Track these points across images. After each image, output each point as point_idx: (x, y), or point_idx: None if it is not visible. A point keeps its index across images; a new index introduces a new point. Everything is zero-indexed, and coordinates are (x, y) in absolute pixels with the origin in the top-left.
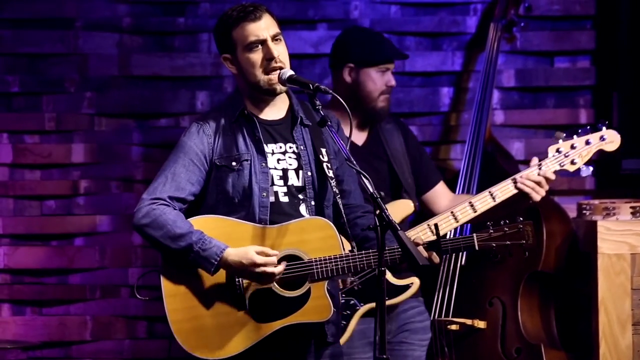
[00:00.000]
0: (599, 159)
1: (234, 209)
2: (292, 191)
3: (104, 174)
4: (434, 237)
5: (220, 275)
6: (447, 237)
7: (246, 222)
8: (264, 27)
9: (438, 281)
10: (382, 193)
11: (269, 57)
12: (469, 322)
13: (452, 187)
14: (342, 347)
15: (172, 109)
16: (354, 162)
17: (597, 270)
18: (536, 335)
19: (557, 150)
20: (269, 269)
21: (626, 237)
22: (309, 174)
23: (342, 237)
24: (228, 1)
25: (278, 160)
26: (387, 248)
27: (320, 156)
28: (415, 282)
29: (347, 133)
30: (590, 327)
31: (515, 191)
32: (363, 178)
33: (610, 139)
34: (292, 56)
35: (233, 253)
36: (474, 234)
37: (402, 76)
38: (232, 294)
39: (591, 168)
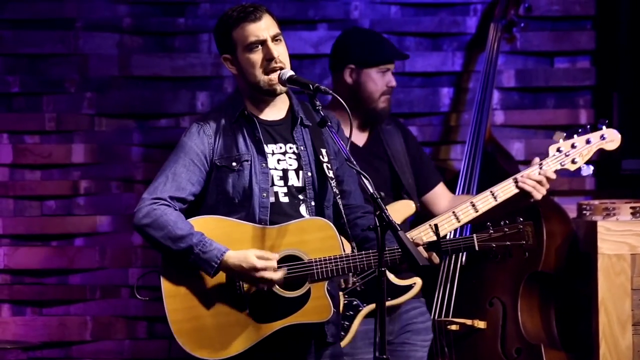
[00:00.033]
0: (599, 160)
1: (234, 209)
2: (292, 191)
3: (104, 174)
4: (434, 238)
5: (221, 276)
6: (447, 237)
7: (246, 222)
8: (264, 27)
9: (438, 281)
10: (382, 193)
11: (269, 58)
12: (469, 322)
13: (452, 188)
14: (345, 347)
15: (172, 110)
16: (354, 163)
17: (597, 270)
18: (536, 336)
19: (558, 150)
20: (269, 275)
21: (626, 238)
22: (309, 174)
23: (342, 238)
24: (228, 1)
25: (278, 160)
26: (387, 248)
27: (321, 157)
28: (417, 282)
29: (347, 134)
30: (591, 328)
31: (517, 191)
32: (363, 178)
33: (610, 138)
34: (292, 56)
35: (233, 256)
36: (474, 235)
37: (402, 76)
38: (232, 294)
39: (592, 167)
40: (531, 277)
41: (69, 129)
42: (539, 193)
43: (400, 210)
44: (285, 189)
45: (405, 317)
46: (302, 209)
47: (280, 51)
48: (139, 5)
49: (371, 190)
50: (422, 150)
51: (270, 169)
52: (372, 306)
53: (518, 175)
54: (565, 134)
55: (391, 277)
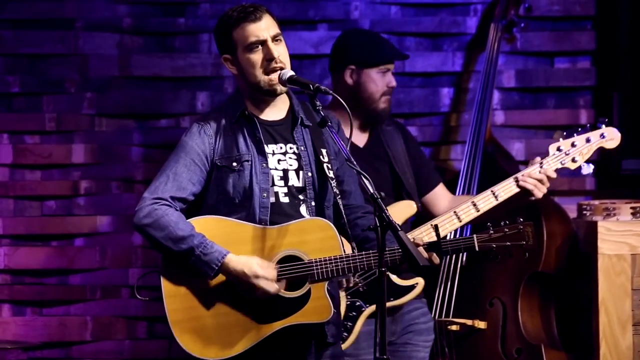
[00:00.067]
0: (600, 160)
1: (235, 209)
2: (292, 192)
3: (105, 175)
4: (435, 238)
5: (221, 277)
6: (448, 238)
7: (246, 222)
8: (264, 27)
9: (438, 282)
10: (383, 193)
11: (269, 58)
12: (469, 322)
13: (452, 188)
14: (348, 348)
15: (172, 110)
16: (354, 163)
17: (597, 270)
18: (536, 336)
19: (558, 149)
20: (269, 285)
21: (626, 238)
22: (310, 174)
23: (342, 238)
24: (228, 2)
25: (279, 160)
26: (387, 249)
27: (321, 157)
28: (420, 282)
29: (347, 134)
30: (591, 328)
31: (518, 190)
32: (363, 178)
33: (610, 137)
34: (292, 57)
35: (235, 260)
36: (474, 235)
37: (403, 77)
38: (233, 294)
39: (592, 166)
40: (531, 277)
41: (69, 129)
42: (540, 191)
43: (401, 210)
44: (285, 189)
45: (408, 317)
46: (303, 209)
47: (280, 51)
48: (139, 5)
49: (371, 191)
50: (422, 151)
51: (270, 169)
52: (375, 307)
53: (519, 175)
54: (565, 133)
55: (393, 277)
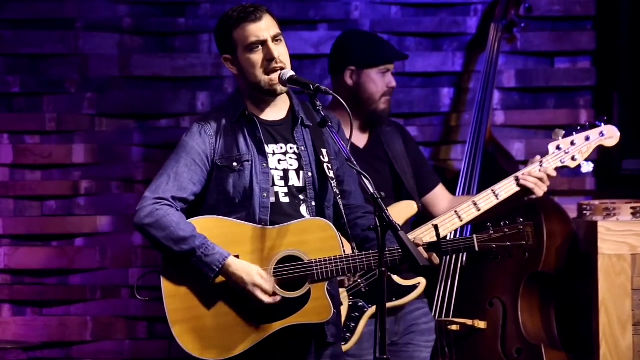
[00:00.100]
0: (600, 160)
1: (235, 209)
2: (292, 192)
3: (105, 175)
4: (435, 238)
5: (221, 277)
6: (448, 238)
7: (246, 223)
8: (265, 27)
9: (438, 282)
10: (383, 193)
11: (269, 58)
12: (469, 322)
13: (452, 188)
14: (351, 349)
15: (172, 110)
16: (355, 163)
17: (597, 270)
18: (537, 336)
19: (557, 147)
20: (264, 297)
21: (627, 238)
22: (310, 174)
23: (343, 238)
24: (228, 2)
25: (279, 160)
26: (387, 249)
27: (321, 157)
28: (422, 282)
29: (347, 134)
30: (591, 328)
31: (518, 189)
32: (363, 178)
33: (609, 135)
34: (292, 57)
35: (236, 264)
36: (474, 235)
37: (403, 77)
38: (233, 295)
39: (591, 164)
40: (531, 277)
41: (70, 129)
42: (540, 190)
43: (402, 210)
44: (285, 189)
45: (409, 317)
46: (303, 209)
47: (280, 51)
48: (139, 5)
49: (372, 191)
50: (421, 152)
51: (271, 169)
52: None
53: (519, 173)
54: (564, 132)
55: (395, 277)
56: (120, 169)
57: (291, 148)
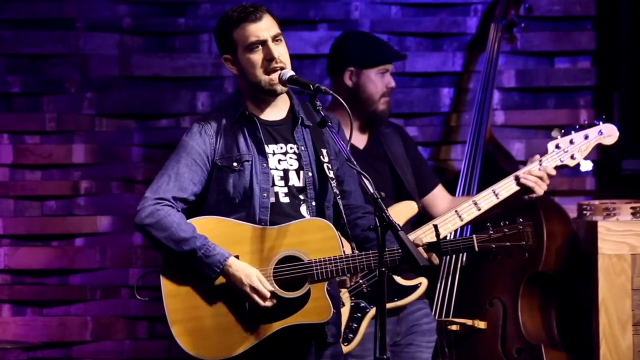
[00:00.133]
0: (600, 160)
1: (235, 209)
2: (292, 192)
3: (105, 175)
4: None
5: (221, 277)
6: (447, 238)
7: (246, 223)
8: (265, 27)
9: (438, 282)
10: (383, 193)
11: (269, 58)
12: (469, 322)
13: (452, 188)
14: (354, 349)
15: (172, 110)
16: (355, 163)
17: (597, 270)
18: (537, 336)
19: (557, 146)
20: (260, 300)
21: (626, 238)
22: (310, 174)
23: (342, 238)
24: (228, 2)
25: (279, 160)
26: (387, 249)
27: (321, 157)
28: (423, 282)
29: (347, 135)
30: (591, 328)
31: (518, 188)
32: (363, 179)
33: (608, 133)
34: (292, 57)
35: (236, 265)
36: (474, 235)
37: (403, 77)
38: (232, 294)
39: (591, 163)
40: (531, 277)
41: (70, 129)
42: (540, 189)
43: (402, 211)
44: (285, 189)
45: (411, 318)
46: (303, 209)
47: (280, 51)
48: (139, 5)
49: (371, 191)
50: (420, 153)
51: (271, 169)
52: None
53: (519, 172)
54: (563, 131)
55: (397, 277)
56: (120, 169)
57: (291, 148)
